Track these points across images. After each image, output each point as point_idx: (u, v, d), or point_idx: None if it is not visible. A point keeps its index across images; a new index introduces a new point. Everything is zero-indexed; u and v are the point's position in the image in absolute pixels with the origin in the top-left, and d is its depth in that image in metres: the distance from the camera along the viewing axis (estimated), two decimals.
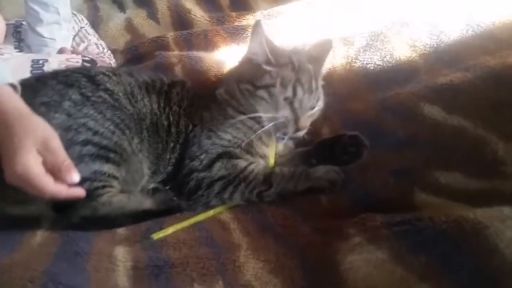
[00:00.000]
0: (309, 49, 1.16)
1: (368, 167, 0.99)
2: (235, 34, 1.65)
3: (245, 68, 1.12)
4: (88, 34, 1.87)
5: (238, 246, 0.85)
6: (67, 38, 1.77)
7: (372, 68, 1.21)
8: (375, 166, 0.98)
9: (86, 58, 1.55)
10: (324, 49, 1.15)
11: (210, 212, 1.00)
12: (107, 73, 1.09)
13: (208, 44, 1.69)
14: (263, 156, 1.11)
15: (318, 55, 1.13)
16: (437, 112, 0.97)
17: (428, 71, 1.11)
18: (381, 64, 1.20)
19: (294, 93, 1.04)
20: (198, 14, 2.02)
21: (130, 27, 2.05)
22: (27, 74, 1.34)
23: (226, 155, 1.06)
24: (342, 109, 1.19)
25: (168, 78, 1.20)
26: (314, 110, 1.09)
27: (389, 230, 0.76)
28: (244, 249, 0.84)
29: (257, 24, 1.06)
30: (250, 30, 1.14)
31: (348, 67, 1.26)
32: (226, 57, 1.46)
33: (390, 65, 1.19)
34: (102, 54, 1.74)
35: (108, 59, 1.72)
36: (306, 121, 1.06)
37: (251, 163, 1.06)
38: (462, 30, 1.14)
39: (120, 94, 1.05)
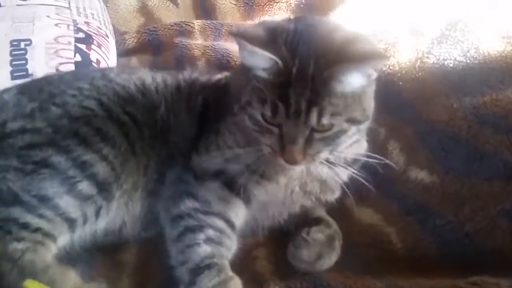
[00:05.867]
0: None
1: (465, 200, 0.75)
2: None
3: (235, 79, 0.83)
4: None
5: None
6: None
7: (451, 65, 0.95)
8: (474, 200, 0.74)
9: (80, 36, 1.27)
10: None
11: None
12: None
13: None
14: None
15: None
16: None
17: None
18: (464, 60, 0.94)
19: (274, 111, 0.70)
20: None
21: (144, 9, 1.78)
22: (5, 63, 1.10)
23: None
24: (414, 118, 0.94)
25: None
26: (323, 134, 0.71)
27: None
28: None
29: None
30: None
31: (418, 63, 1.00)
32: None
33: (477, 61, 0.92)
34: (101, 26, 1.45)
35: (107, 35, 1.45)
36: (297, 153, 0.70)
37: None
38: None
39: None
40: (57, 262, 0.77)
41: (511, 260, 0.65)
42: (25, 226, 0.76)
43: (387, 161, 0.83)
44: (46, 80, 0.95)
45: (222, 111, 0.86)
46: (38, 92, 0.88)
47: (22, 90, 0.91)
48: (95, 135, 0.82)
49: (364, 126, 0.80)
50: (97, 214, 0.82)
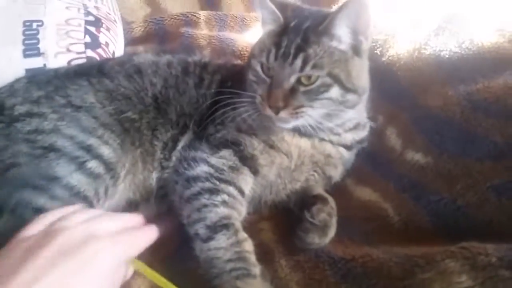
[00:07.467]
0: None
1: (457, 178, 0.80)
2: None
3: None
4: None
5: None
6: None
7: (447, 56, 1.00)
8: (466, 178, 0.79)
9: (90, 19, 1.29)
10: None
11: None
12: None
13: (243, 29, 1.52)
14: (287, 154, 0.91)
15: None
16: None
17: None
18: (459, 51, 0.99)
19: (267, 58, 0.85)
20: None
21: None
22: (18, 42, 1.13)
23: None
24: (411, 105, 0.99)
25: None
26: (307, 87, 0.81)
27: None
28: None
29: None
30: None
31: (416, 54, 1.05)
32: None
33: (471, 52, 0.97)
34: (110, 12, 1.46)
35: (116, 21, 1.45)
36: (280, 98, 0.80)
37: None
38: None
39: None
40: None
41: (499, 230, 0.70)
42: (39, 211, 0.74)
43: None
44: (54, 73, 1.00)
45: (238, 89, 0.92)
46: (45, 83, 0.93)
47: (31, 80, 0.96)
48: (95, 122, 0.88)
49: (352, 98, 0.86)
50: (106, 194, 0.85)
